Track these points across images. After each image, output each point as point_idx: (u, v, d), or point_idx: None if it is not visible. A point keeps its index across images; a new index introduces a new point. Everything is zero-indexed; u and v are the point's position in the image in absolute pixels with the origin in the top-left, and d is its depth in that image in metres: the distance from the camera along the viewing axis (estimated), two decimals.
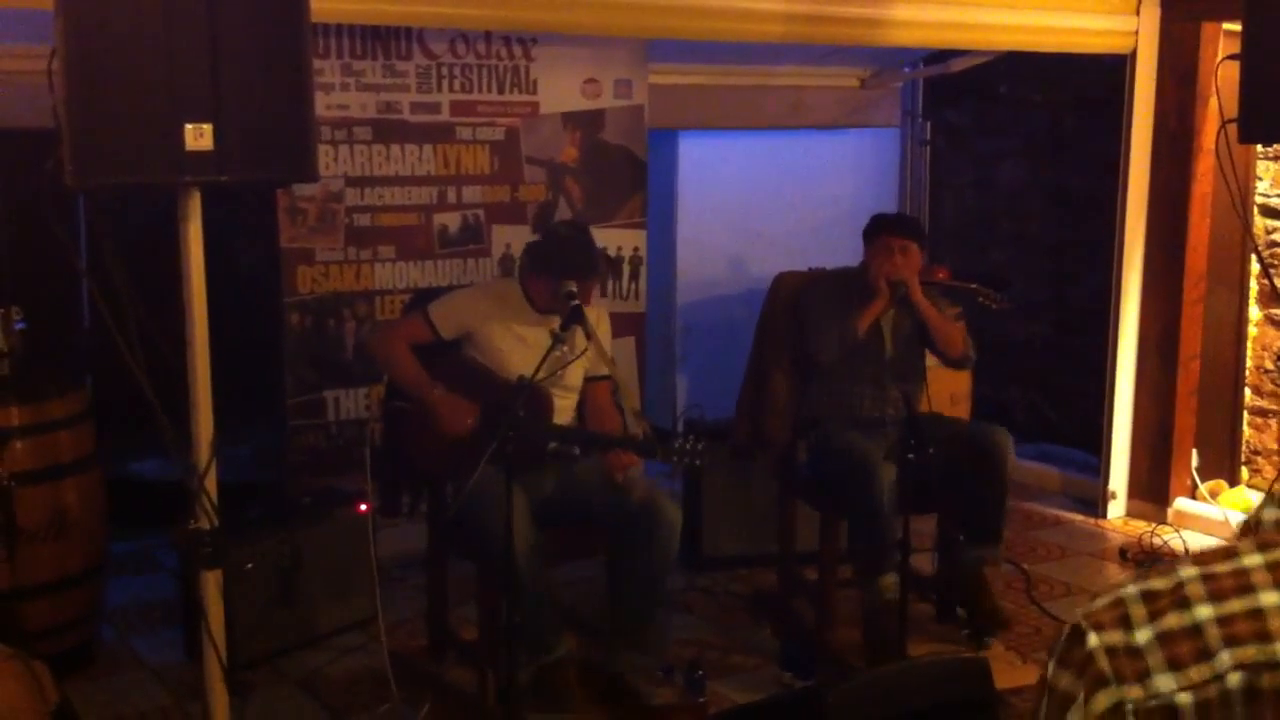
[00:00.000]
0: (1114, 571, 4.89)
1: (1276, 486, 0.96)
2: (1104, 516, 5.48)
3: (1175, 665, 0.85)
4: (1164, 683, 0.85)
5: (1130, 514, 5.48)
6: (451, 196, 4.93)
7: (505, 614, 3.33)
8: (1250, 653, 0.84)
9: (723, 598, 4.59)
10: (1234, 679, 0.84)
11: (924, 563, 4.30)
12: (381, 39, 4.70)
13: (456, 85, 4.88)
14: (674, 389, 6.26)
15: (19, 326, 3.87)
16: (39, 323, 4.02)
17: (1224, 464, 5.47)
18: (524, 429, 3.33)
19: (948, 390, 5.49)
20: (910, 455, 3.65)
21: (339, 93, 4.64)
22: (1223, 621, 0.85)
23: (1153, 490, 5.43)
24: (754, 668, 3.99)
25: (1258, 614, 0.85)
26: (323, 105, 4.32)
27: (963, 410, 5.83)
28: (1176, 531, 5.21)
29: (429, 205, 4.89)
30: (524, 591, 3.40)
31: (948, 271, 5.55)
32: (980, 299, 4.46)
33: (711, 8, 4.51)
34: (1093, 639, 0.89)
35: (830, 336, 4.07)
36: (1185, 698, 0.84)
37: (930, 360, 4.36)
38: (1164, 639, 0.86)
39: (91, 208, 3.87)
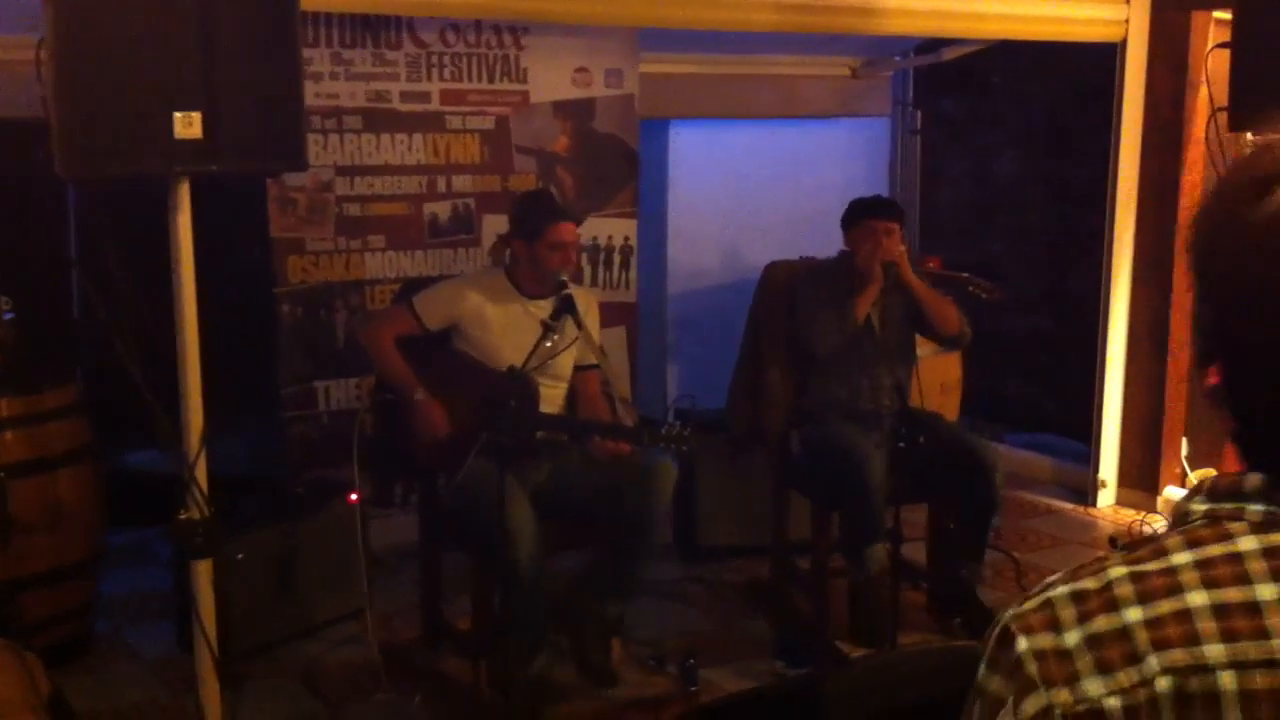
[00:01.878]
0: None
1: (1205, 479, 0.94)
2: (1094, 505, 5.50)
3: (1104, 669, 0.84)
4: (1092, 687, 0.83)
5: (1121, 502, 5.50)
6: (442, 186, 4.92)
7: (500, 605, 3.33)
8: (1178, 657, 0.82)
9: (717, 587, 4.60)
10: (1162, 684, 0.82)
11: (915, 552, 4.30)
12: (371, 28, 4.68)
13: (446, 74, 4.87)
14: (665, 379, 6.26)
15: (8, 317, 3.85)
16: (29, 313, 4.01)
17: (1214, 452, 5.48)
18: (513, 419, 3.33)
19: (938, 380, 5.50)
20: (901, 444, 3.66)
21: (328, 82, 4.62)
22: (1151, 624, 0.83)
23: (1143, 479, 5.45)
24: (748, 657, 3.99)
25: (1185, 616, 0.83)
26: (312, 94, 4.30)
27: (954, 399, 5.84)
28: (1167, 520, 5.23)
29: (419, 195, 4.87)
30: (521, 582, 3.40)
31: (939, 262, 5.56)
32: (971, 289, 4.47)
33: None
34: (1021, 643, 0.87)
35: (828, 327, 4.07)
36: (1114, 702, 0.83)
37: (925, 349, 4.36)
38: (1093, 642, 0.85)
39: (81, 198, 3.86)
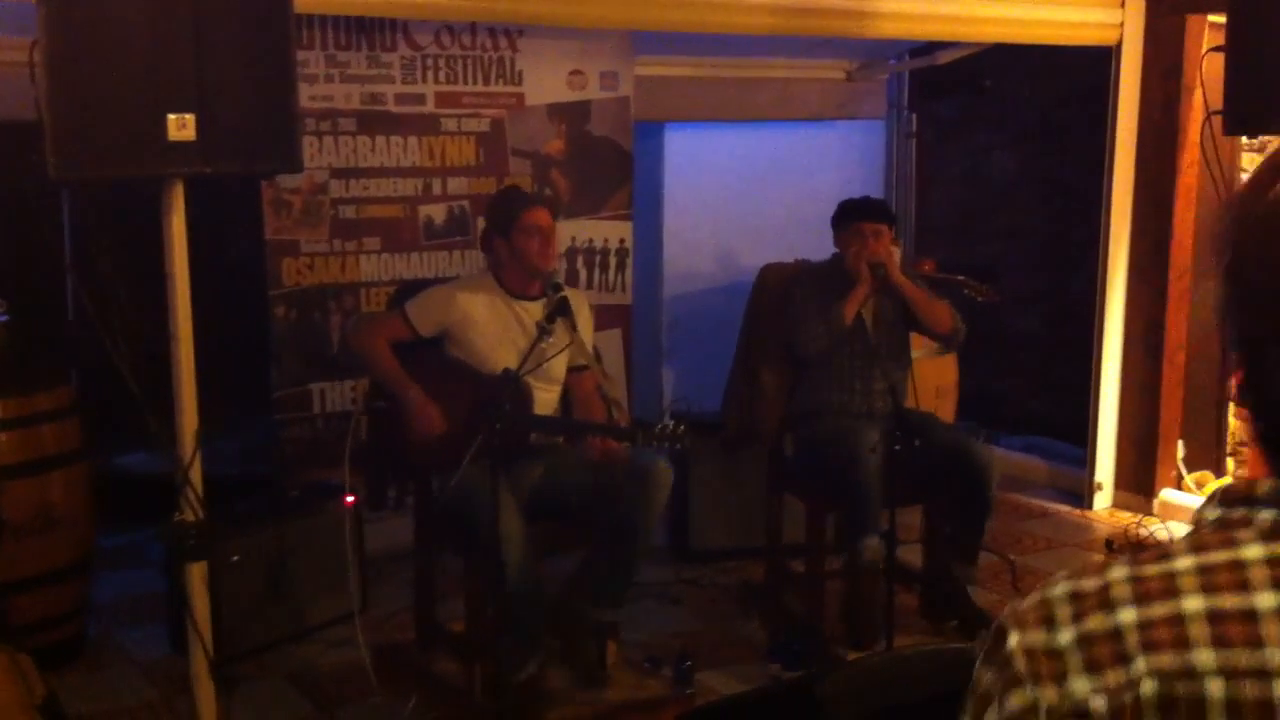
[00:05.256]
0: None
1: (1221, 485, 0.93)
2: (1090, 508, 5.50)
3: (1092, 668, 0.83)
4: (1079, 686, 0.83)
5: (1116, 505, 5.51)
6: (437, 188, 4.92)
7: (493, 607, 3.32)
8: (1166, 660, 0.81)
9: (711, 590, 4.60)
10: (1147, 686, 0.81)
11: (911, 555, 4.30)
12: (366, 30, 4.68)
13: (441, 77, 4.86)
14: (660, 381, 6.26)
15: (2, 319, 3.85)
16: (23, 315, 4.00)
17: (1210, 455, 5.49)
18: (507, 421, 3.32)
19: (934, 382, 5.50)
20: (896, 447, 3.66)
21: (323, 84, 4.62)
22: (1143, 626, 0.83)
23: (1139, 482, 5.45)
24: (742, 659, 3.99)
25: (1178, 620, 0.82)
26: (307, 96, 4.30)
27: (949, 402, 5.84)
28: (1162, 523, 5.23)
29: (414, 197, 4.87)
30: (512, 584, 3.40)
31: (934, 264, 5.56)
32: (966, 290, 4.46)
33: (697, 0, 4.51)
34: (1013, 638, 0.87)
35: (816, 329, 4.08)
36: (1100, 702, 0.82)
37: (918, 350, 4.35)
38: (1084, 641, 0.84)
39: (76, 200, 3.86)
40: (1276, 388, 0.87)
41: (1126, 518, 5.35)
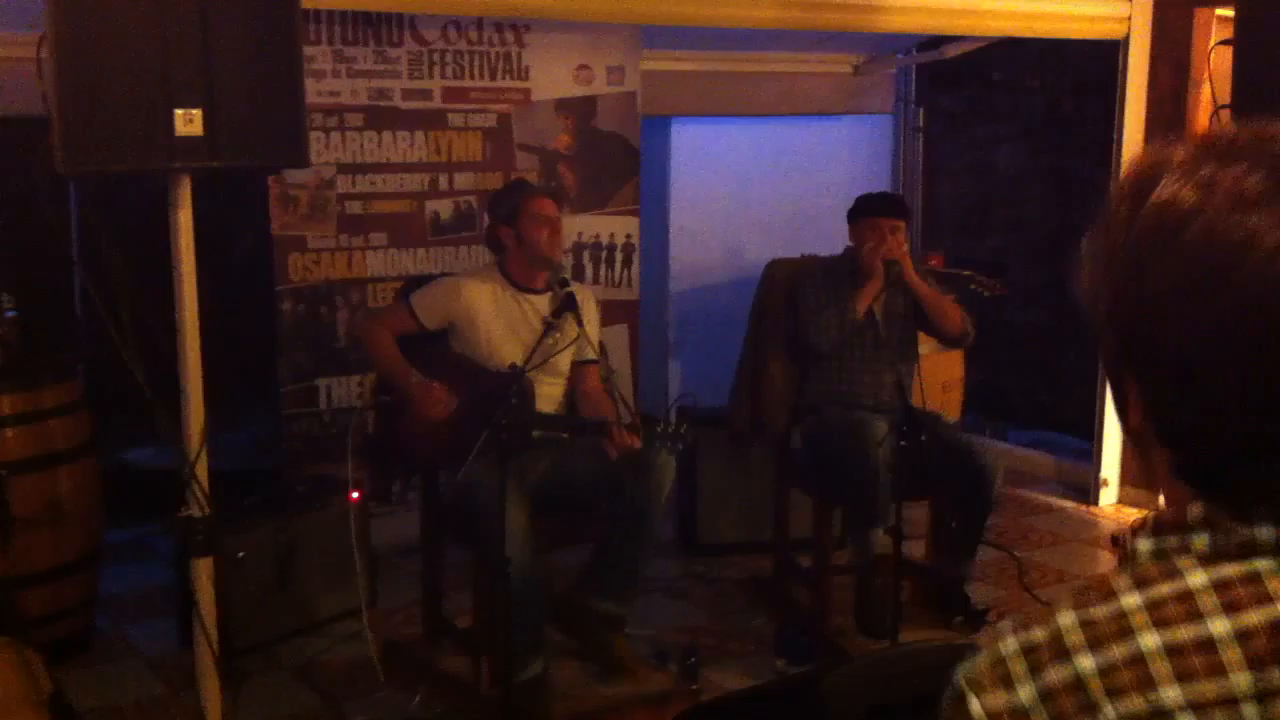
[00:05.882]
0: (1107, 559, 4.90)
1: (1150, 514, 0.91)
2: (1096, 503, 5.49)
3: None
4: None
5: (1123, 501, 5.50)
6: (444, 183, 4.92)
7: (499, 601, 3.32)
8: (1135, 704, 0.80)
9: (718, 584, 4.60)
10: None
11: (916, 550, 4.30)
12: (373, 25, 4.68)
13: (448, 72, 4.86)
14: (667, 376, 6.26)
15: (10, 314, 3.86)
16: (31, 310, 4.01)
17: None
18: (513, 416, 3.32)
19: (941, 378, 5.50)
20: (903, 442, 3.65)
21: (330, 79, 4.62)
22: (1104, 672, 0.81)
23: (1144, 477, 5.44)
24: (749, 654, 4.00)
25: (1139, 660, 0.81)
26: (314, 92, 4.30)
27: (956, 398, 5.84)
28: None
29: (421, 192, 4.87)
30: (518, 578, 3.40)
31: (941, 259, 5.55)
32: (974, 286, 4.46)
33: None
34: (974, 704, 0.85)
35: (828, 322, 4.07)
36: None
37: (926, 347, 4.35)
38: (1046, 696, 0.82)
39: (83, 195, 3.87)
40: (1183, 415, 0.85)
41: (1133, 513, 5.34)
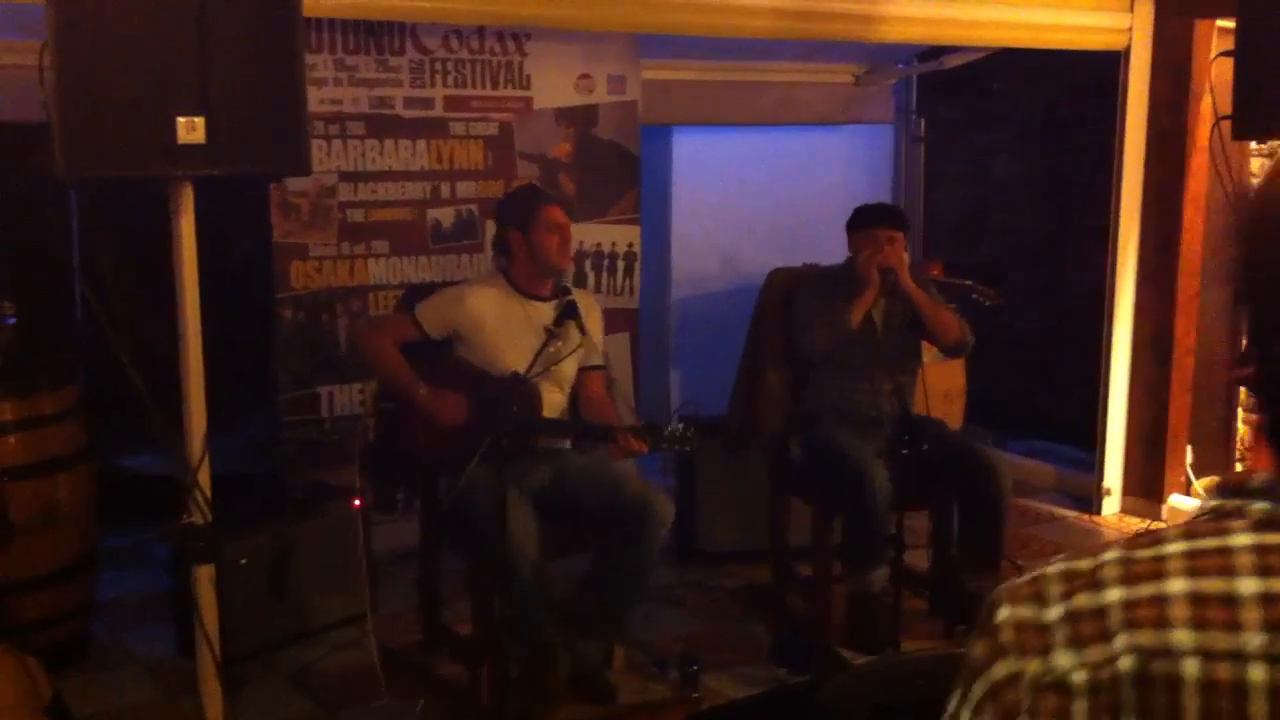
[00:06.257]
0: None
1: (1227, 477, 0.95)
2: (1098, 513, 5.49)
3: (1076, 644, 0.85)
4: (1063, 660, 0.85)
5: (1125, 510, 5.49)
6: (445, 192, 4.93)
7: (500, 610, 3.32)
8: (1145, 638, 0.83)
9: (716, 592, 4.59)
10: (1126, 662, 0.83)
11: (918, 559, 4.29)
12: (374, 34, 4.69)
13: (450, 80, 4.87)
14: (668, 384, 6.26)
15: (10, 321, 3.86)
16: (30, 316, 4.01)
17: (1219, 460, 5.47)
18: (516, 424, 3.32)
19: (942, 387, 5.49)
20: (904, 452, 3.65)
21: (331, 87, 4.63)
22: (1128, 605, 0.85)
23: (1147, 486, 5.43)
24: (747, 662, 3.98)
25: (1160, 600, 0.84)
26: (315, 100, 4.31)
27: (958, 407, 5.83)
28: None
29: (422, 200, 4.88)
30: (519, 586, 3.39)
31: (941, 268, 5.55)
32: (974, 295, 4.45)
33: (705, 3, 4.50)
34: (1003, 612, 0.90)
35: (822, 329, 4.07)
36: (1080, 676, 0.84)
37: (927, 356, 4.34)
38: (1070, 617, 0.86)
39: (83, 202, 3.87)
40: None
41: (1135, 523, 5.33)
